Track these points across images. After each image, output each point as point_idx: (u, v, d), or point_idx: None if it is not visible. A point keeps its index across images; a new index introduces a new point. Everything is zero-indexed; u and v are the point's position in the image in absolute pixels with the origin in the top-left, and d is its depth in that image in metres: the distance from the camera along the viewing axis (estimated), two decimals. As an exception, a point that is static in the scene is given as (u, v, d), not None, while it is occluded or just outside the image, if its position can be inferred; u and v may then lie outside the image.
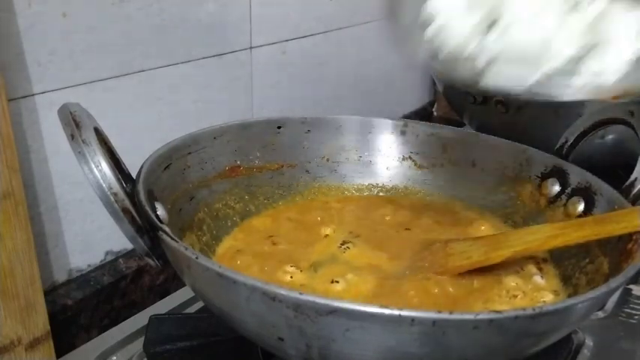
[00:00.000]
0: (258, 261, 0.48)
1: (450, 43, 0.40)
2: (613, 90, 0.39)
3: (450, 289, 0.45)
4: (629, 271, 0.38)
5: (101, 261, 0.60)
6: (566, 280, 0.48)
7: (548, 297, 0.45)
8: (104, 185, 0.38)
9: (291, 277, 0.46)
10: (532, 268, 0.48)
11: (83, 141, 0.38)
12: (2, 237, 0.45)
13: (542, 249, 0.47)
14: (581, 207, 0.50)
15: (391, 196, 0.60)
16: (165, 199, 0.45)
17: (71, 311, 0.55)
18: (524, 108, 0.68)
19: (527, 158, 0.55)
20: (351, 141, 0.60)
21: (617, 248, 0.43)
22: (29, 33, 0.49)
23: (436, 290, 0.45)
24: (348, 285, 0.45)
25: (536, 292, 0.45)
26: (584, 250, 0.46)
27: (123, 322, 0.56)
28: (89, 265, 0.59)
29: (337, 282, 0.45)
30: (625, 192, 0.47)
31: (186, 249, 0.37)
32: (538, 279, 0.47)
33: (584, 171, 0.51)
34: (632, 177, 0.48)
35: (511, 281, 0.46)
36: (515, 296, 0.44)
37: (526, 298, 0.44)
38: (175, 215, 0.47)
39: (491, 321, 0.32)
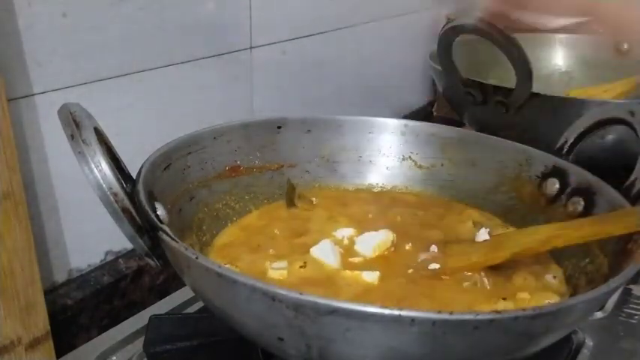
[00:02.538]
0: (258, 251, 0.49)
1: None
2: None
3: (456, 287, 0.45)
4: (629, 271, 0.38)
5: (101, 261, 0.60)
6: (566, 280, 0.48)
7: (553, 299, 0.45)
8: (104, 185, 0.38)
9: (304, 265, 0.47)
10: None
11: (83, 141, 0.38)
12: (2, 237, 0.45)
13: (542, 249, 0.47)
14: (581, 207, 0.50)
15: (391, 196, 0.60)
16: (165, 199, 0.45)
17: (71, 311, 0.55)
18: (524, 108, 0.68)
19: (527, 158, 0.55)
20: (351, 141, 0.60)
21: (617, 248, 0.43)
22: (29, 33, 0.49)
23: (442, 288, 0.45)
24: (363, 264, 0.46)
25: (542, 292, 0.45)
26: (584, 250, 0.46)
27: (123, 322, 0.56)
28: (89, 265, 0.59)
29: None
30: (625, 192, 0.47)
31: (186, 249, 0.37)
32: (550, 278, 0.47)
33: (584, 171, 0.51)
34: (632, 177, 0.48)
35: (520, 278, 0.46)
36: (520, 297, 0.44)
37: (531, 300, 0.44)
38: (175, 215, 0.47)
39: (491, 321, 0.32)
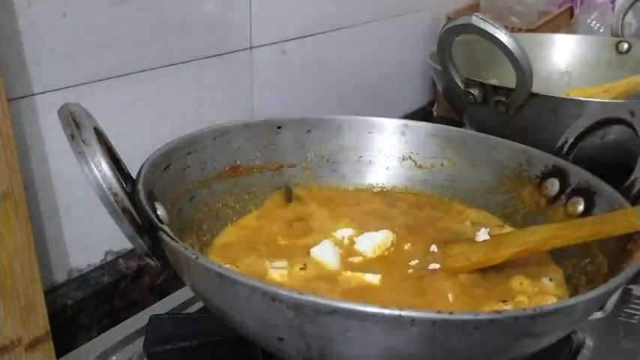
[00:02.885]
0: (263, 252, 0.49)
1: None
2: None
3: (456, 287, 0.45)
4: (628, 271, 0.38)
5: (101, 261, 0.60)
6: (566, 280, 0.48)
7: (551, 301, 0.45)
8: (104, 185, 0.38)
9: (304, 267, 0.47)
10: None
11: (83, 141, 0.38)
12: (2, 237, 0.45)
13: (542, 249, 0.47)
14: (581, 207, 0.50)
15: (391, 196, 0.60)
16: (165, 199, 0.45)
17: (71, 311, 0.55)
18: (524, 108, 0.68)
19: (527, 158, 0.55)
20: (351, 141, 0.60)
21: (617, 248, 0.43)
22: (29, 33, 0.49)
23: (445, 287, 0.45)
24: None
25: (540, 296, 0.45)
26: (584, 250, 0.46)
27: (123, 322, 0.56)
28: (89, 265, 0.59)
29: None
30: (625, 192, 0.47)
31: (186, 249, 0.37)
32: (546, 281, 0.47)
33: (584, 171, 0.51)
34: (632, 177, 0.48)
35: (517, 282, 0.46)
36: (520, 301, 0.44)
37: (530, 303, 0.44)
38: (175, 215, 0.47)
39: (491, 321, 0.32)
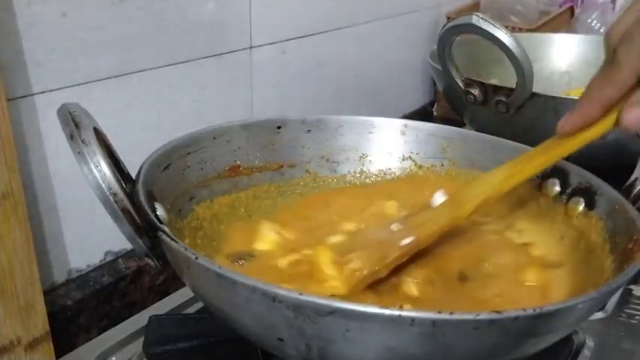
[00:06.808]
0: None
1: None
2: None
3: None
4: (629, 271, 0.38)
5: (101, 261, 0.60)
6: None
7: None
8: (103, 185, 0.38)
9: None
10: None
11: (82, 141, 0.38)
12: (1, 237, 0.45)
13: (503, 191, 0.48)
14: (581, 207, 0.50)
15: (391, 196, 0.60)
16: (164, 199, 0.45)
17: (71, 311, 0.55)
18: (525, 108, 0.68)
19: (528, 158, 0.55)
20: (352, 141, 0.60)
21: (617, 248, 0.43)
22: (29, 32, 0.49)
23: None
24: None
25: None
26: (584, 249, 0.46)
27: (122, 323, 0.56)
28: (89, 266, 0.59)
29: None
30: (625, 192, 0.47)
31: (186, 249, 0.37)
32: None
33: (584, 171, 0.51)
34: (633, 177, 0.48)
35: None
36: None
37: None
38: (175, 215, 0.47)
39: (491, 321, 0.32)
